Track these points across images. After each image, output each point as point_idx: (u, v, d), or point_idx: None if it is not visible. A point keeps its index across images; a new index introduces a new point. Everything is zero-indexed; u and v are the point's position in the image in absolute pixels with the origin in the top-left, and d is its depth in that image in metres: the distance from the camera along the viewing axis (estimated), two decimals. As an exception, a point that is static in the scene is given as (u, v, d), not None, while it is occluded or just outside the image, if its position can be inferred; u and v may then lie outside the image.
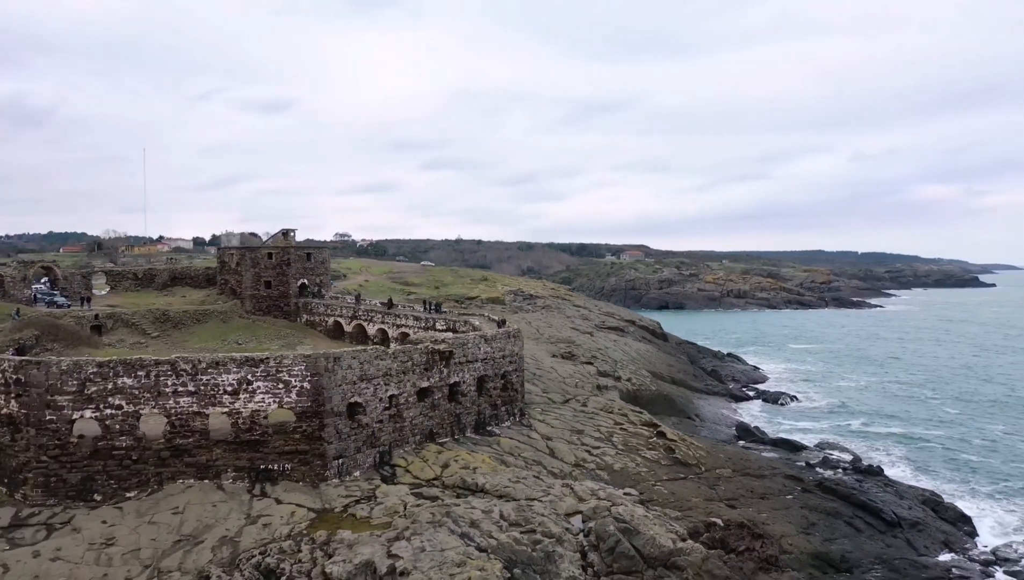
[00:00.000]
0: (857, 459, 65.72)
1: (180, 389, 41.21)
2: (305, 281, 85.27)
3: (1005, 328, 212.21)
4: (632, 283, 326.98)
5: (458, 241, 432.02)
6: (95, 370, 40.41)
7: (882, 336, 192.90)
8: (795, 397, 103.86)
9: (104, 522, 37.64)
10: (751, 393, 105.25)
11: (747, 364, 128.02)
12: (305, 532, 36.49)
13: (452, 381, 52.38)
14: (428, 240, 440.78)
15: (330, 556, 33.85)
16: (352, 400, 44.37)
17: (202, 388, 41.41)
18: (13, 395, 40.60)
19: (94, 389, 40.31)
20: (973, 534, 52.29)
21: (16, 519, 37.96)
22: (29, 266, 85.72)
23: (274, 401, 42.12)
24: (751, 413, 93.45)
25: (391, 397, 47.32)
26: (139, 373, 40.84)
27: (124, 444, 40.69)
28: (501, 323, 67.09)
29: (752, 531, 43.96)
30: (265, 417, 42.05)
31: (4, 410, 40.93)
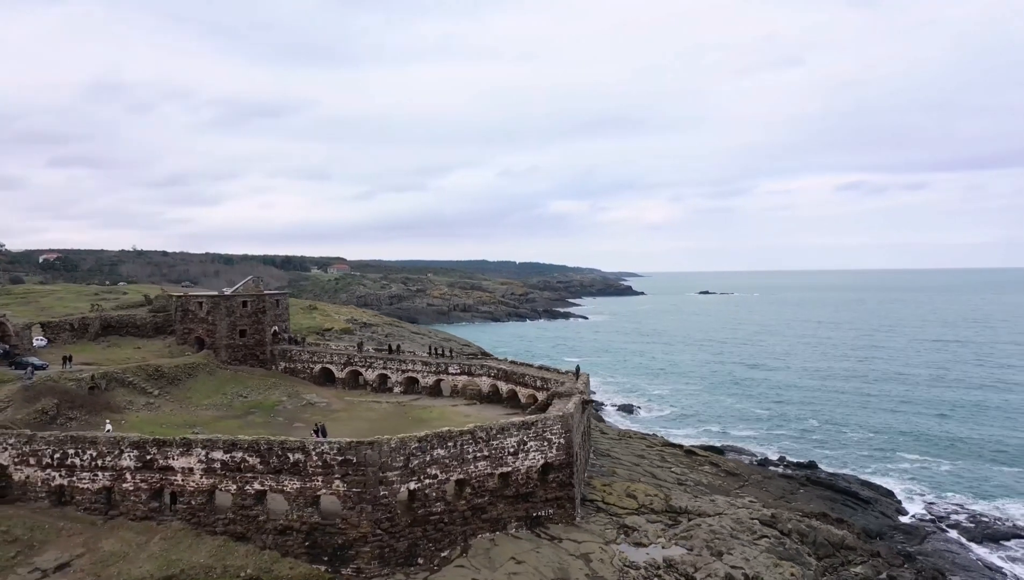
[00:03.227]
0: (783, 457, 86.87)
1: (478, 454, 46.70)
2: (276, 328, 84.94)
3: (731, 326, 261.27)
4: (364, 299, 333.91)
5: (164, 254, 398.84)
6: (417, 445, 44.35)
7: (629, 345, 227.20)
8: (637, 407, 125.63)
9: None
10: (598, 407, 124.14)
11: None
12: (636, 562, 45.30)
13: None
14: (121, 250, 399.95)
15: (696, 568, 43.61)
16: (575, 450, 52.81)
17: (493, 452, 47.31)
18: (338, 476, 42.81)
19: (416, 462, 44.25)
20: (899, 502, 75.09)
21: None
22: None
23: (542, 457, 49.35)
24: (626, 424, 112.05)
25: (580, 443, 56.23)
26: (448, 444, 45.57)
27: (439, 509, 45.14)
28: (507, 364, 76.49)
29: (829, 516, 61.11)
30: (536, 472, 49.06)
31: (323, 492, 42.87)
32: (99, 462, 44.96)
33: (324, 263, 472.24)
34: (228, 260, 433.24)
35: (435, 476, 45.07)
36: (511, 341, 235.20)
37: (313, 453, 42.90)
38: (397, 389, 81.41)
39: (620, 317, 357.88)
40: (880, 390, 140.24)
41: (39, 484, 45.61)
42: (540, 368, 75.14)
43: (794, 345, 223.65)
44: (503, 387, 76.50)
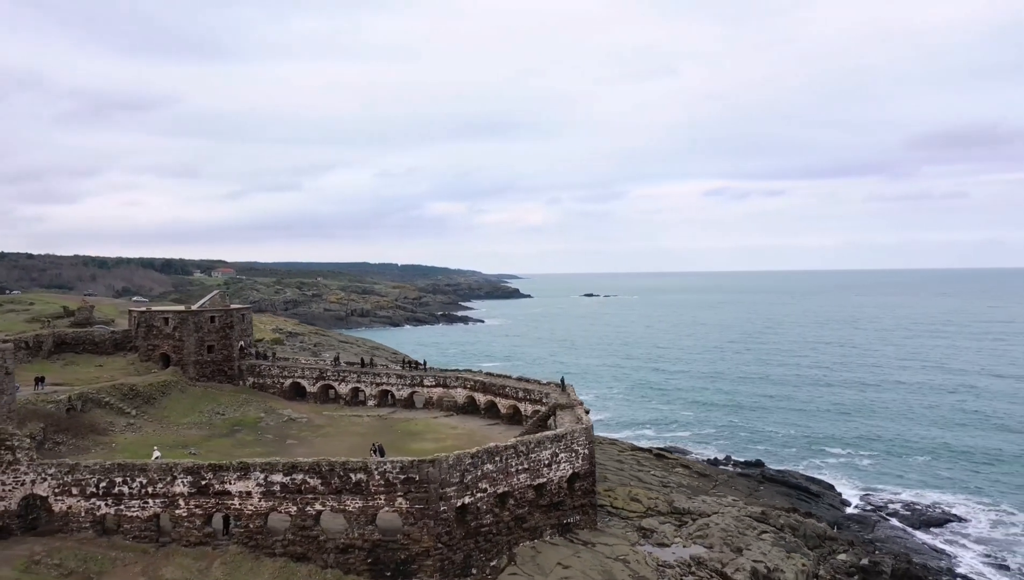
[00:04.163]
0: (729, 457, 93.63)
1: (519, 468, 49.35)
2: (243, 343, 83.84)
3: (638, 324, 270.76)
4: (259, 304, 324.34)
5: (30, 257, 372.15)
6: (470, 461, 46.53)
7: (536, 349, 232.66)
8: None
9: (523, 586, 45.14)
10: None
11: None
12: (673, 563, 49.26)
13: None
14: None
15: (723, 564, 47.97)
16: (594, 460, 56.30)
17: (532, 465, 50.09)
18: (400, 493, 44.43)
19: (469, 477, 46.44)
20: (839, 495, 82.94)
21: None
22: None
23: (570, 467, 52.53)
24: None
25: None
26: (496, 459, 47.98)
27: (488, 521, 47.50)
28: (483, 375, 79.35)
29: (798, 510, 67.46)
30: (565, 481, 52.18)
31: (385, 509, 44.40)
32: (149, 489, 44.52)
33: (207, 266, 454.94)
34: (103, 263, 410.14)
35: (485, 490, 47.38)
36: (420, 348, 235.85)
37: (375, 472, 44.31)
38: (371, 402, 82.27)
39: (517, 321, 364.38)
40: (785, 390, 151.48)
41: (82, 514, 44.60)
42: (519, 379, 78.10)
43: (689, 347, 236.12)
44: (480, 398, 78.90)
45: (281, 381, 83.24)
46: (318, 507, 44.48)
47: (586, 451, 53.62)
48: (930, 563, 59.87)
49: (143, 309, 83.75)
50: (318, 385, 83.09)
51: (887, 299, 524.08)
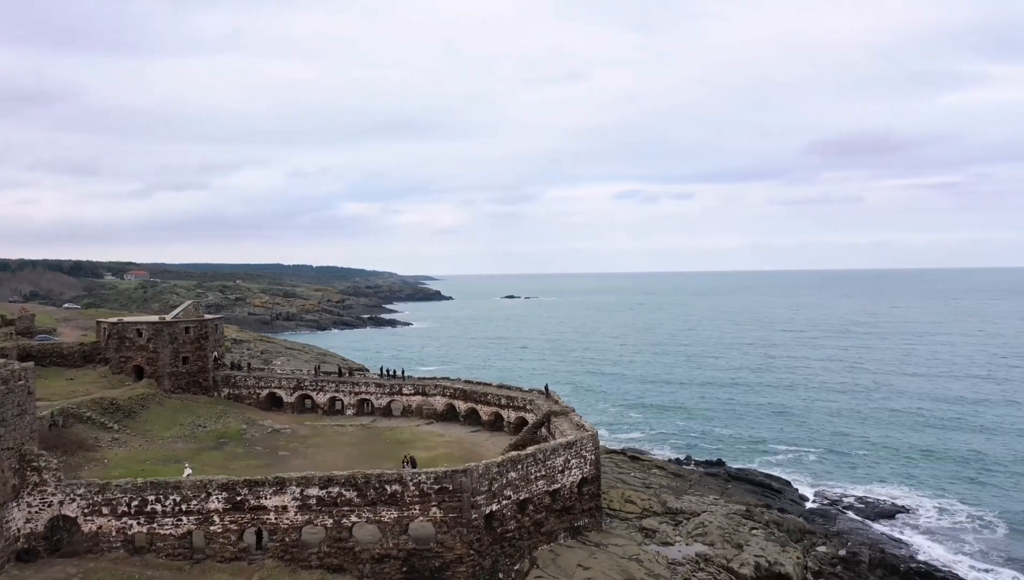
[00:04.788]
0: (689, 456, 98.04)
1: (537, 475, 51.47)
2: (216, 353, 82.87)
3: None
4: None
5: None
6: (497, 470, 48.34)
7: (472, 351, 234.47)
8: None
9: (551, 588, 47.29)
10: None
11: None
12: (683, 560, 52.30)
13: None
14: None
15: (728, 560, 51.29)
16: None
17: (548, 471, 52.28)
18: (435, 503, 45.89)
19: (496, 486, 48.26)
20: (796, 490, 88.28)
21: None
22: None
23: (580, 473, 54.96)
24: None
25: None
26: (518, 467, 49.96)
27: (512, 527, 49.43)
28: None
29: (772, 506, 71.89)
30: (575, 486, 54.56)
31: (420, 519, 45.79)
32: (184, 506, 44.54)
33: (118, 269, 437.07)
34: (4, 266, 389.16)
35: (509, 497, 49.29)
36: (355, 352, 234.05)
37: (410, 483, 45.63)
38: (349, 411, 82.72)
39: (444, 324, 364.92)
40: (723, 392, 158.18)
41: (113, 533, 44.22)
42: (500, 386, 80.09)
43: (620, 350, 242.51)
44: (461, 406, 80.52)
45: (257, 392, 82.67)
46: (354, 519, 45.46)
47: (593, 457, 56.16)
48: (897, 552, 65.04)
49: (114, 320, 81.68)
50: (295, 395, 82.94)
51: (794, 300, 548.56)
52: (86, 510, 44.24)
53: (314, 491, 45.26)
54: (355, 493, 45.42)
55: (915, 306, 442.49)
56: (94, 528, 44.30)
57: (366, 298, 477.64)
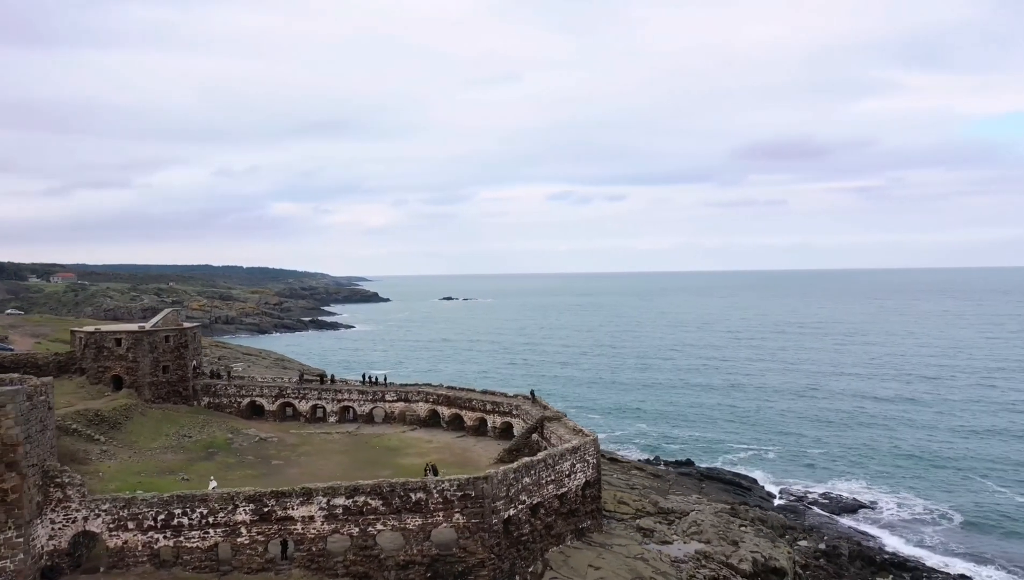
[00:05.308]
0: (658, 457, 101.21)
1: (548, 479, 53.24)
2: (196, 362, 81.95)
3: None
4: (114, 312, 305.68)
5: None
6: (513, 475, 49.92)
7: (421, 354, 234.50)
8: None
9: (567, 589, 49.11)
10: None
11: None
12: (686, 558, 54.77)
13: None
14: None
15: (727, 556, 54.00)
16: (593, 467, 60.97)
17: (557, 476, 54.11)
18: (458, 509, 47.20)
19: (513, 491, 49.84)
20: (762, 487, 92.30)
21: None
22: None
23: (584, 476, 56.96)
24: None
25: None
26: (531, 473, 51.63)
27: (527, 530, 51.09)
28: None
29: (748, 503, 75.34)
30: (579, 489, 56.52)
31: (444, 525, 47.04)
32: (210, 519, 44.73)
33: (43, 271, 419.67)
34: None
35: (523, 501, 50.95)
36: (305, 357, 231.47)
37: (434, 491, 46.86)
38: (332, 418, 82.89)
39: (387, 326, 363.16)
40: (674, 395, 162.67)
41: (139, 548, 44.08)
42: (484, 392, 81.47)
43: (567, 351, 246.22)
44: (444, 412, 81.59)
45: (238, 400, 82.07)
46: (379, 527, 46.40)
47: (594, 461, 58.24)
48: (870, 544, 69.15)
49: (91, 329, 79.85)
50: (278, 403, 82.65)
51: (725, 301, 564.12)
52: (111, 525, 44.01)
53: (340, 500, 46.02)
54: (380, 502, 46.36)
55: (841, 307, 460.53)
56: (119, 543, 44.10)
57: (303, 300, 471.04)
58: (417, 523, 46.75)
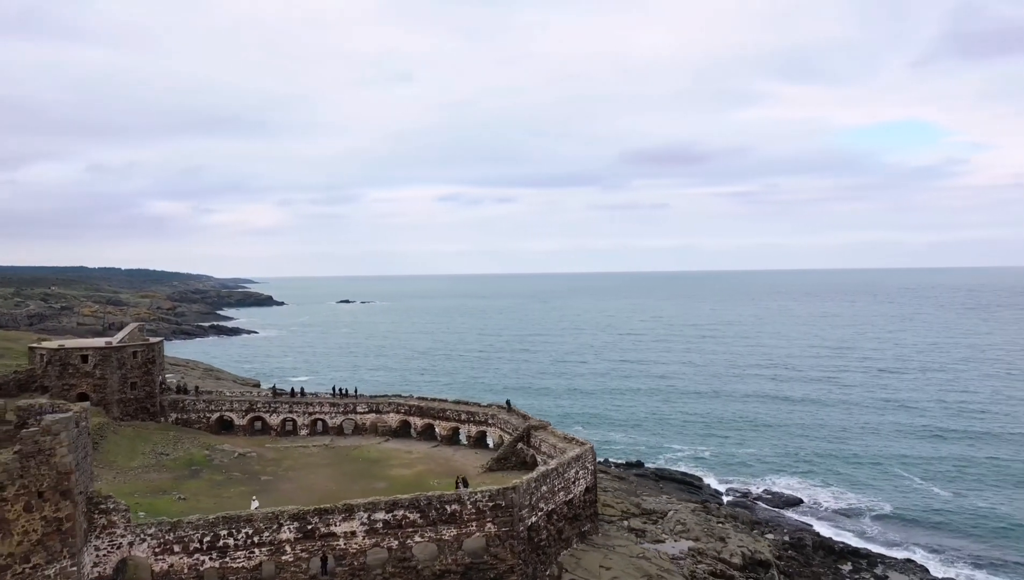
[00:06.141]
0: (607, 459, 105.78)
1: (559, 487, 56.36)
2: (162, 378, 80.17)
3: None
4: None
5: None
6: (534, 485, 52.76)
7: (336, 360, 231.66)
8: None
9: (586, 589, 52.39)
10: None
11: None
12: (683, 554, 58.99)
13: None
14: None
15: (719, 552, 58.60)
16: (587, 473, 64.48)
17: (567, 483, 57.30)
18: (490, 519, 49.64)
19: (534, 499, 52.69)
20: (709, 486, 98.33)
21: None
22: None
23: (585, 483, 60.39)
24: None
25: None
26: (547, 481, 54.63)
27: (544, 536, 54.02)
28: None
29: (704, 499, 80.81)
30: (582, 494, 59.90)
31: (476, 535, 49.37)
32: (256, 539, 45.34)
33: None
34: None
35: (542, 509, 53.92)
36: (224, 365, 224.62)
37: (468, 503, 49.17)
38: (303, 431, 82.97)
39: (290, 331, 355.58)
40: (596, 398, 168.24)
41: (185, 571, 44.15)
42: (457, 402, 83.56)
43: (481, 354, 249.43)
44: (417, 422, 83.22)
45: (207, 415, 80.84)
46: (416, 539, 48.27)
47: (592, 467, 61.80)
48: (827, 535, 75.74)
49: (55, 346, 76.65)
50: (248, 417, 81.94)
51: (621, 302, 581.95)
52: (157, 549, 43.96)
53: (381, 515, 47.62)
54: (418, 514, 48.27)
55: (730, 308, 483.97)
56: (165, 567, 44.11)
57: (195, 304, 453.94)
58: (452, 533, 48.93)
